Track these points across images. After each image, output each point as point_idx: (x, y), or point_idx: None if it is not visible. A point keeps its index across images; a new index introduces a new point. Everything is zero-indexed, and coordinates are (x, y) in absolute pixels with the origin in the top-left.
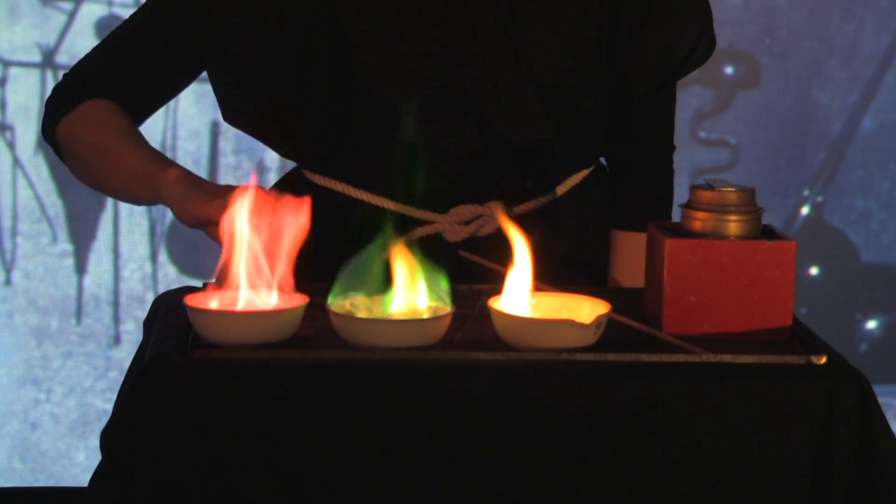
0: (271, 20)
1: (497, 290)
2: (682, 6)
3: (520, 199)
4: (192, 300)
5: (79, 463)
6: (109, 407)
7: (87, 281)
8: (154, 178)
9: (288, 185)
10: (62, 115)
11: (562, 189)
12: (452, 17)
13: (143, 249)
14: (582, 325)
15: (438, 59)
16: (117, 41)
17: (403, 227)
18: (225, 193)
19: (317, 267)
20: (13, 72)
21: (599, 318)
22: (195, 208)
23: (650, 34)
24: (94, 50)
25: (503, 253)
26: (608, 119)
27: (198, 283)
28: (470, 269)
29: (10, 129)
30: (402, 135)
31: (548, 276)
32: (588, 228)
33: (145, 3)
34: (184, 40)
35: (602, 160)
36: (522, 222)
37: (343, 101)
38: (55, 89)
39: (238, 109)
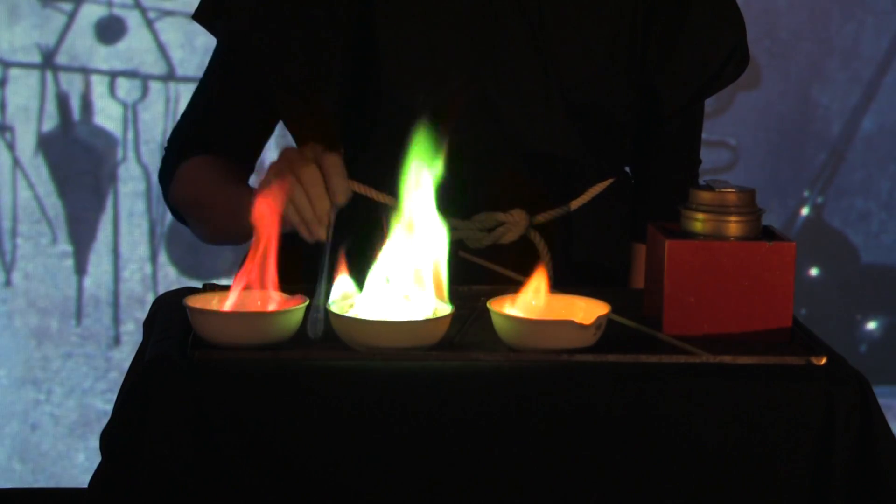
0: (320, 31)
1: (497, 292)
2: (715, 20)
3: (542, 208)
4: (191, 301)
5: (79, 464)
6: (109, 408)
7: (87, 282)
8: (242, 212)
9: None
10: (168, 182)
11: (584, 198)
12: (481, 28)
13: (143, 250)
14: (582, 326)
15: (466, 70)
16: (195, 99)
17: None
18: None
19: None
20: (13, 72)
21: (599, 318)
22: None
23: (682, 49)
24: (182, 114)
25: (523, 261)
26: (635, 132)
27: (197, 284)
28: (470, 271)
29: (10, 129)
30: (426, 141)
31: (565, 285)
32: (609, 238)
33: (213, 56)
34: (249, 78)
35: (627, 169)
36: (544, 231)
37: (370, 107)
38: (162, 160)
39: (307, 135)
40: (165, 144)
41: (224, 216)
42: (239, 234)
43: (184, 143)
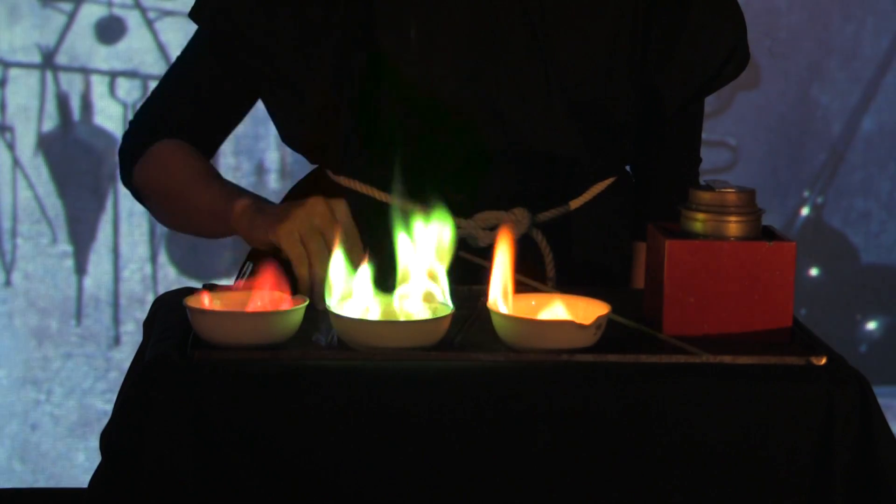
0: (315, 30)
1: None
2: (716, 19)
3: (543, 207)
4: (191, 301)
5: (79, 464)
6: (109, 408)
7: (87, 282)
8: (224, 214)
9: (311, 186)
10: (133, 162)
11: (585, 198)
12: (481, 26)
13: (143, 250)
14: (582, 326)
15: (466, 68)
16: (172, 80)
17: None
18: (286, 215)
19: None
20: (13, 73)
21: (599, 318)
22: (263, 235)
23: (683, 47)
24: (153, 92)
25: (524, 260)
26: (636, 131)
27: (197, 284)
28: (470, 271)
29: (10, 129)
30: (427, 141)
31: (566, 284)
32: (609, 237)
33: (192, 38)
34: (237, 69)
35: (627, 168)
36: (544, 230)
37: (371, 105)
38: (124, 137)
39: (294, 128)
40: (131, 118)
41: (198, 212)
42: (212, 233)
43: (155, 123)
